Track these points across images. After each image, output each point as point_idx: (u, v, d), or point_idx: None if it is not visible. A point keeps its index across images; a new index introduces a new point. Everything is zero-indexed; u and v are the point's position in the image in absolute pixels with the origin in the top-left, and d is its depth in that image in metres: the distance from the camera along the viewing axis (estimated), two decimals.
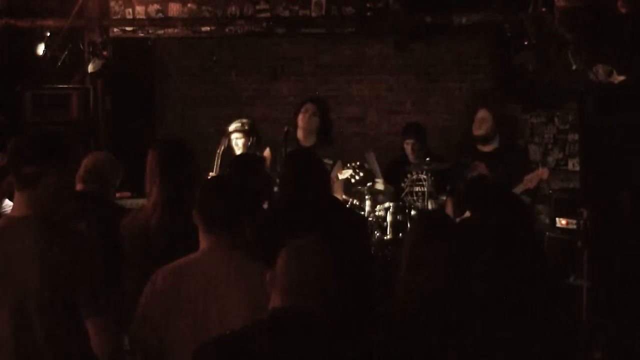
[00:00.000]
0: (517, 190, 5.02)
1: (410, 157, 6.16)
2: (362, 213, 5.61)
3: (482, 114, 5.32)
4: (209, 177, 4.57)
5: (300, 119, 5.55)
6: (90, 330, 2.46)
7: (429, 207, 5.71)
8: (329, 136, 5.60)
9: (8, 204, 4.05)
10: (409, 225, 5.36)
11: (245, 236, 2.79)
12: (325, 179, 3.76)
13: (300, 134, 5.58)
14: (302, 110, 5.56)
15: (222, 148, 5.66)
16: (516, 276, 3.08)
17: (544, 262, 3.52)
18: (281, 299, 2.20)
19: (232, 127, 5.81)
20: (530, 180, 5.12)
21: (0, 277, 2.42)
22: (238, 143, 5.74)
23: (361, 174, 5.36)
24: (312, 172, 3.59)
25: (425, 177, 5.90)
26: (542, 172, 5.16)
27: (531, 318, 3.02)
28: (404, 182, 6.07)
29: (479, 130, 5.28)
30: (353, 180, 5.40)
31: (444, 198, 5.73)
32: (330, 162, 5.35)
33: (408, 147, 6.15)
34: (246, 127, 5.76)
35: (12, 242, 2.44)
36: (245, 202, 2.83)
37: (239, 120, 5.85)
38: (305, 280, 2.20)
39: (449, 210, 5.52)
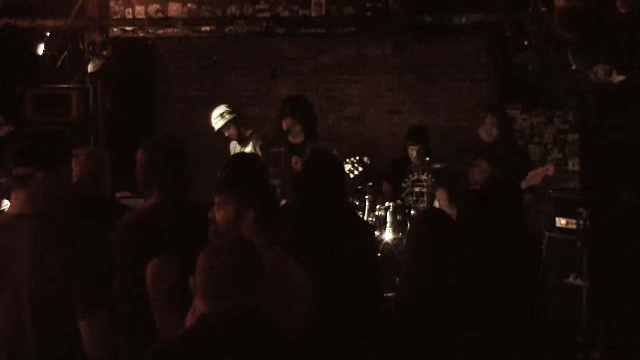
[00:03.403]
0: (521, 186, 4.96)
1: (414, 161, 6.12)
2: (361, 213, 5.62)
3: (489, 119, 5.27)
4: None
5: (285, 124, 5.38)
6: (82, 330, 2.43)
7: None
8: (314, 131, 5.45)
9: (7, 203, 4.04)
10: (409, 225, 5.36)
11: None
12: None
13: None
14: (284, 119, 5.39)
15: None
16: (513, 275, 3.08)
17: (539, 262, 3.52)
18: (204, 304, 2.12)
19: (216, 125, 6.00)
20: (534, 177, 5.02)
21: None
22: (232, 134, 5.99)
23: (360, 169, 5.32)
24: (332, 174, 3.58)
25: (426, 178, 5.90)
26: (548, 169, 5.05)
27: (528, 318, 3.02)
28: (405, 183, 6.07)
29: (489, 137, 5.24)
30: (352, 176, 5.36)
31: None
32: None
33: (413, 152, 6.07)
34: (227, 117, 5.99)
35: (8, 238, 2.45)
36: None
37: (218, 115, 6.01)
38: (225, 283, 2.09)
39: (443, 203, 5.51)
